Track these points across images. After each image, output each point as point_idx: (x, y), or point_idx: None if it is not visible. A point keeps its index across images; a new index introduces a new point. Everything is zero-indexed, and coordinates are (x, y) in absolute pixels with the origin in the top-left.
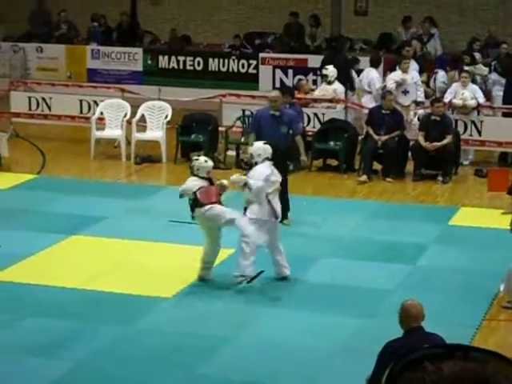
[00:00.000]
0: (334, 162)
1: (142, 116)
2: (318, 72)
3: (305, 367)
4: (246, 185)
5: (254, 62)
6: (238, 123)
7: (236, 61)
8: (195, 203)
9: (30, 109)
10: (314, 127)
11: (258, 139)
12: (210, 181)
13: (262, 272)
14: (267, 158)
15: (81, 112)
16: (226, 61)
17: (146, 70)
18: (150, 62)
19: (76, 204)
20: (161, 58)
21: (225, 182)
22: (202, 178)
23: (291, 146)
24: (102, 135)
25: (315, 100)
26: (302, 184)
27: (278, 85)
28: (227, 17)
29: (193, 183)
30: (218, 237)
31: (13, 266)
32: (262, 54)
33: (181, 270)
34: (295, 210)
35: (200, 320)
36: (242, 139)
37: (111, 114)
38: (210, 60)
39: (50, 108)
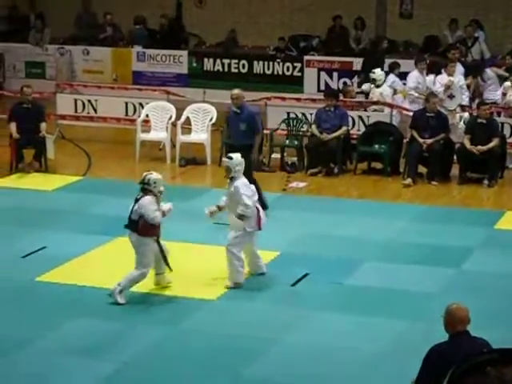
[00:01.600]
0: (378, 165)
1: (187, 118)
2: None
3: (350, 370)
4: (242, 217)
5: (298, 65)
6: (283, 126)
7: (281, 63)
8: (134, 225)
9: (75, 111)
10: (358, 130)
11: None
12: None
13: (306, 275)
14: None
15: (126, 114)
16: (271, 63)
17: (191, 73)
18: (195, 64)
19: (121, 206)
20: (206, 60)
21: (168, 206)
22: (155, 195)
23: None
24: (147, 137)
25: (360, 103)
26: (346, 187)
27: (322, 87)
28: (272, 19)
29: (152, 207)
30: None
31: (59, 267)
32: (306, 57)
33: (225, 272)
34: (341, 214)
35: (245, 322)
36: (287, 142)
37: (156, 117)
38: (255, 63)
39: (95, 110)
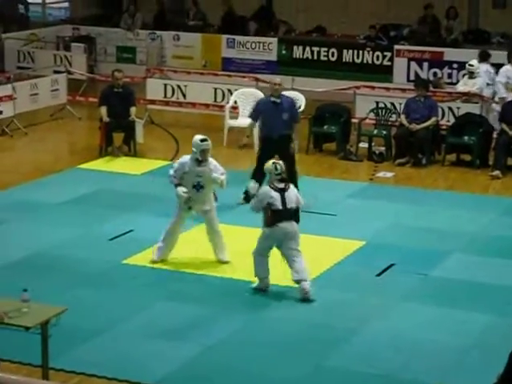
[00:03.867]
0: (467, 157)
1: None
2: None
3: (434, 362)
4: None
5: (388, 54)
6: (372, 115)
7: (370, 52)
8: (294, 214)
9: (165, 96)
10: (448, 121)
11: (261, 127)
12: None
13: (392, 265)
14: None
15: (215, 100)
16: (361, 52)
17: (280, 60)
18: (284, 51)
19: None
20: (295, 48)
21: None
22: None
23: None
24: (235, 124)
25: (450, 93)
26: (434, 178)
27: (412, 77)
28: (363, 8)
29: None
30: None
31: (146, 251)
32: (396, 46)
33: (310, 260)
34: (428, 205)
35: (329, 311)
36: (375, 131)
37: (245, 103)
38: (345, 51)
39: (184, 96)
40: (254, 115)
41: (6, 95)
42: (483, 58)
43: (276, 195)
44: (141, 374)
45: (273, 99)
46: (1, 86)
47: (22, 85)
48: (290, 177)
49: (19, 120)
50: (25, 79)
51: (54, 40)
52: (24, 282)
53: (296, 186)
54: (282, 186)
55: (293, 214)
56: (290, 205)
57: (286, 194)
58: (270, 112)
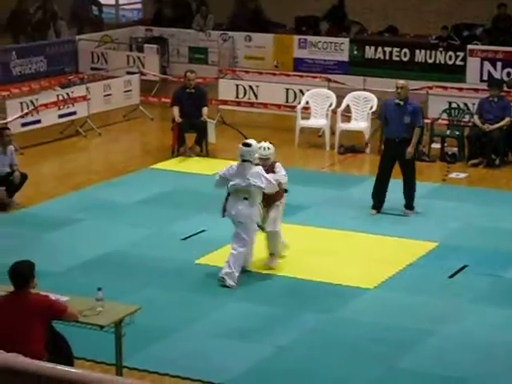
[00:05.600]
0: None
1: (347, 106)
2: None
3: (508, 364)
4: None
5: (461, 54)
6: (444, 115)
7: (443, 52)
8: None
9: (237, 96)
10: None
11: (384, 129)
12: None
13: (465, 267)
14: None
15: (286, 101)
16: (433, 52)
17: (352, 60)
18: (356, 52)
19: None
20: (367, 48)
21: None
22: None
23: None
24: (306, 124)
25: None
26: (508, 179)
27: (485, 77)
28: (436, 7)
29: None
30: None
31: (218, 251)
32: (469, 46)
33: (382, 261)
34: (502, 206)
35: (401, 313)
36: (448, 132)
37: (316, 104)
38: (417, 51)
39: (256, 96)
40: (381, 116)
41: (80, 96)
42: None
43: None
44: (213, 374)
45: (397, 101)
46: (75, 86)
47: (95, 86)
48: (409, 181)
49: (93, 120)
50: (98, 80)
51: (127, 41)
52: (98, 281)
53: (414, 191)
54: None
55: None
56: None
57: None
58: (393, 114)
